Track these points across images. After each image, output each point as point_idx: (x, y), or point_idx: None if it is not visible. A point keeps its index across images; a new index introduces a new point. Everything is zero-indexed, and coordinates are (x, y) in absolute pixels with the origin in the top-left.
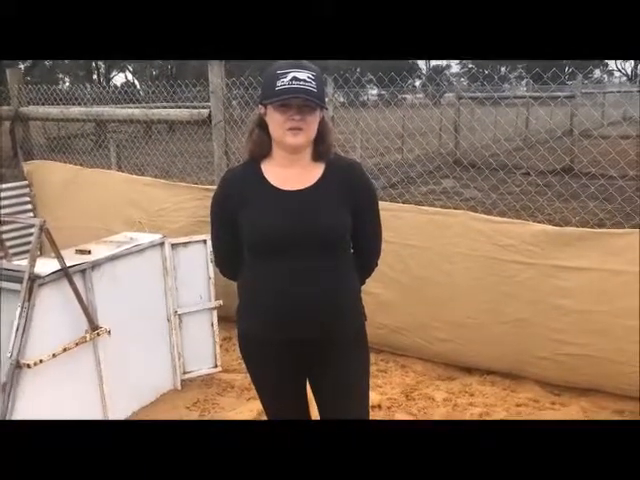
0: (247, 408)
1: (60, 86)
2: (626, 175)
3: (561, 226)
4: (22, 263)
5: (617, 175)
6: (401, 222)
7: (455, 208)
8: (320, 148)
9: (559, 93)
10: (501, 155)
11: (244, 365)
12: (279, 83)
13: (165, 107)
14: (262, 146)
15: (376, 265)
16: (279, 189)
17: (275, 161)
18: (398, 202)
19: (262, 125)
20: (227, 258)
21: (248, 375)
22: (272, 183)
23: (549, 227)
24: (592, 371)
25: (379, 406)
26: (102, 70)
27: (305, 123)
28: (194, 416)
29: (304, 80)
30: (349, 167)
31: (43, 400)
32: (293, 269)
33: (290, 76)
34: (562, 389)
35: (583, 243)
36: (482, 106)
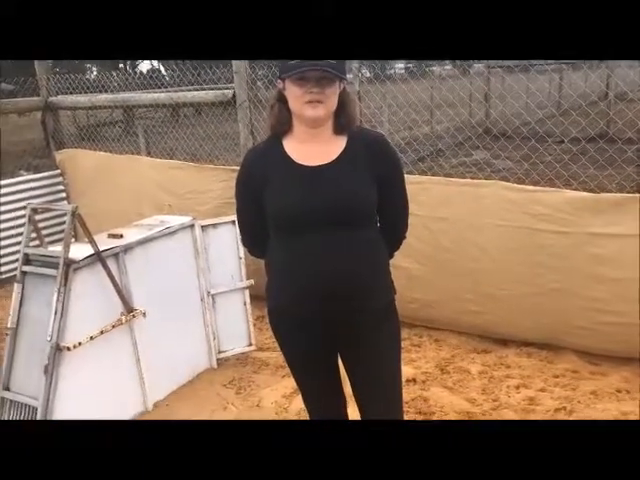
0: (282, 385)
1: (87, 75)
2: None
3: (597, 193)
4: (57, 249)
5: None
6: (430, 195)
7: (486, 179)
8: (341, 121)
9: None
10: (533, 122)
11: (277, 344)
12: (294, 62)
13: (190, 90)
14: (283, 121)
15: (404, 238)
16: (301, 165)
17: (296, 137)
18: (427, 175)
19: (282, 100)
20: (253, 236)
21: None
22: (294, 159)
23: (584, 194)
24: (632, 339)
25: (414, 380)
26: None
27: (324, 95)
28: (230, 394)
29: (318, 61)
30: (373, 139)
31: (83, 381)
32: (319, 245)
33: (303, 61)
34: (601, 359)
35: (619, 209)
36: (511, 74)
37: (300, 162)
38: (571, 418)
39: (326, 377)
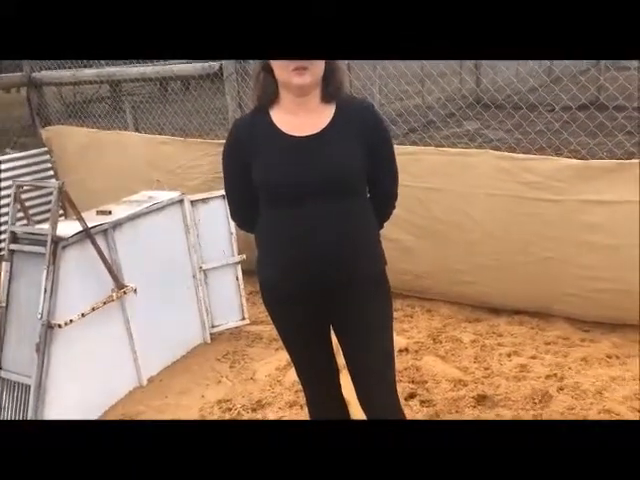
0: (275, 358)
1: None
2: None
3: (587, 160)
4: (44, 227)
5: None
6: (421, 165)
7: (478, 149)
8: (329, 88)
9: None
10: (523, 90)
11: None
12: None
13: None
14: (269, 91)
15: (393, 208)
16: (290, 135)
17: (284, 107)
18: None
19: (267, 69)
20: (243, 209)
21: None
22: (282, 130)
23: (575, 161)
24: (622, 305)
25: (407, 350)
26: None
27: (310, 62)
28: (224, 367)
29: None
30: (361, 108)
31: (76, 358)
32: (309, 216)
33: None
34: (592, 325)
35: (610, 175)
36: None
37: (288, 132)
38: (562, 384)
39: (318, 349)
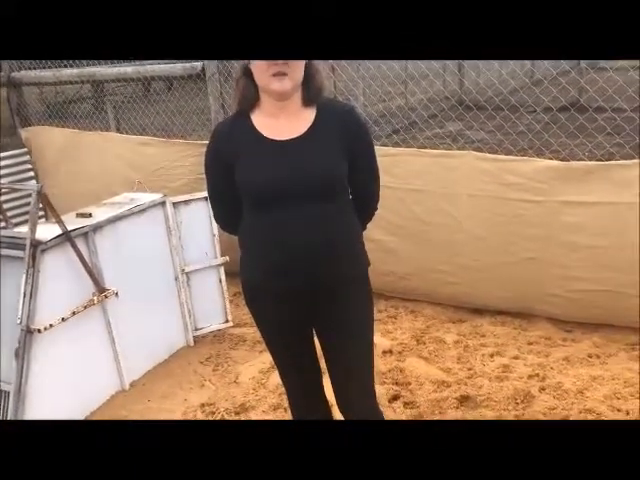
0: (259, 361)
1: None
2: (635, 106)
3: (568, 161)
4: (23, 230)
5: (626, 106)
6: (403, 167)
7: (459, 150)
8: (309, 92)
9: None
10: (505, 92)
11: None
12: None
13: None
14: (250, 96)
15: (375, 209)
16: (271, 139)
17: (264, 110)
18: (401, 148)
19: (248, 74)
20: (225, 212)
21: None
22: (263, 134)
23: (555, 162)
24: (604, 306)
25: (390, 351)
26: None
27: (288, 67)
28: (207, 371)
29: None
30: (342, 111)
31: (57, 363)
32: (291, 219)
33: None
34: (574, 325)
35: (591, 177)
36: None
37: (269, 136)
38: (544, 384)
39: (301, 350)
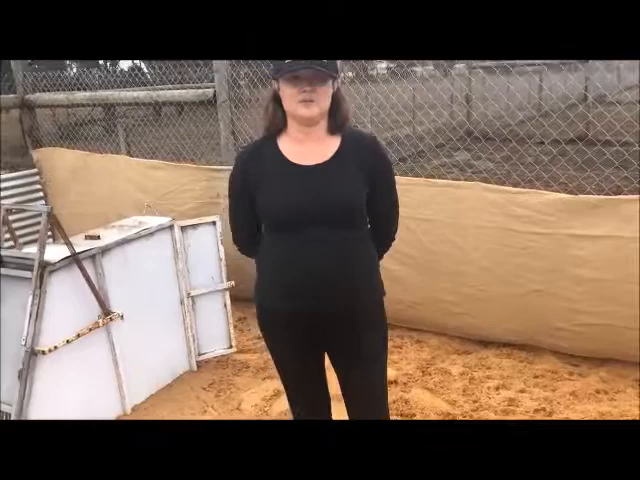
0: (262, 388)
1: (67, 72)
2: None
3: (576, 194)
4: (32, 251)
5: (634, 141)
6: (412, 196)
7: (467, 180)
8: (335, 121)
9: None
10: (513, 124)
11: (259, 345)
12: (286, 62)
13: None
14: (277, 121)
15: (394, 240)
16: (296, 164)
17: (291, 136)
18: (409, 176)
19: (277, 100)
20: (245, 235)
21: (263, 355)
22: (288, 158)
23: (563, 195)
24: (611, 340)
25: (395, 382)
26: None
27: (317, 94)
28: (210, 396)
29: (309, 61)
30: (365, 140)
31: (59, 385)
32: (309, 243)
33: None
34: (580, 360)
35: (598, 210)
36: (493, 75)
37: (294, 161)
38: (551, 419)
39: (311, 377)
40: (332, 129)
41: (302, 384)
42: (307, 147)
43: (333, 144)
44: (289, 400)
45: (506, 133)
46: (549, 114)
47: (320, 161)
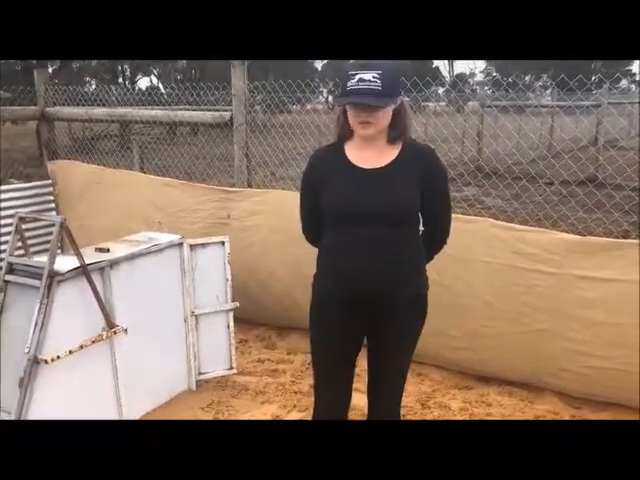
0: (260, 412)
1: (85, 88)
2: None
3: (584, 236)
4: (42, 260)
5: None
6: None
7: (476, 215)
8: (393, 133)
9: (585, 102)
10: (522, 165)
11: (260, 368)
12: (349, 84)
13: (188, 110)
14: (345, 130)
15: (444, 243)
16: (356, 166)
17: (356, 144)
18: None
19: (345, 112)
20: (310, 227)
21: (262, 379)
22: (352, 161)
23: (572, 236)
24: (614, 384)
25: None
26: (127, 73)
27: (373, 117)
28: (208, 417)
29: (369, 80)
30: (424, 151)
31: (59, 396)
32: (361, 238)
33: (357, 78)
34: (582, 402)
35: (607, 253)
36: (506, 114)
37: (356, 164)
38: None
39: (345, 364)
40: (391, 140)
41: (334, 368)
42: (369, 153)
43: (393, 152)
44: (315, 390)
45: (517, 171)
46: (560, 155)
47: (378, 166)
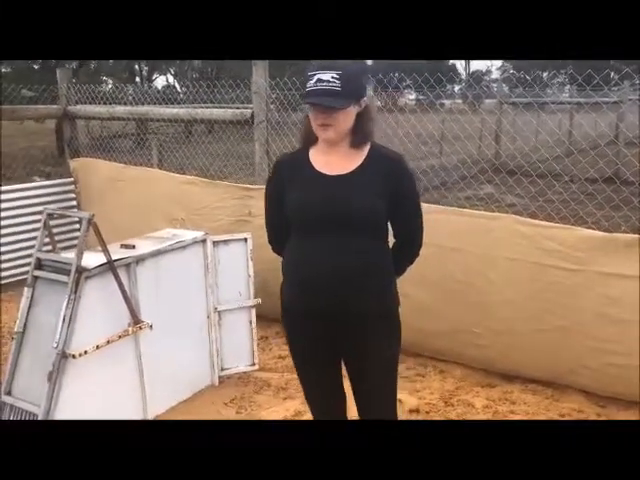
0: (283, 407)
1: (103, 87)
2: None
3: (610, 232)
4: (70, 256)
5: None
6: (442, 225)
7: (499, 212)
8: (355, 137)
9: (605, 98)
10: (541, 163)
11: (281, 364)
12: (308, 85)
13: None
14: (309, 135)
15: (417, 255)
16: (320, 172)
17: (320, 148)
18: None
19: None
20: (275, 235)
21: (284, 375)
22: (315, 167)
23: (597, 232)
24: (638, 382)
25: (417, 410)
26: (144, 72)
27: (332, 119)
28: (231, 413)
29: (327, 81)
30: (390, 157)
31: (85, 390)
32: (324, 246)
33: (315, 78)
34: (608, 400)
35: (631, 250)
36: (523, 113)
37: (320, 170)
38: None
39: (324, 377)
40: (354, 144)
41: (315, 382)
42: (333, 158)
43: (358, 158)
44: (306, 397)
45: (535, 172)
46: (583, 151)
47: (342, 172)
